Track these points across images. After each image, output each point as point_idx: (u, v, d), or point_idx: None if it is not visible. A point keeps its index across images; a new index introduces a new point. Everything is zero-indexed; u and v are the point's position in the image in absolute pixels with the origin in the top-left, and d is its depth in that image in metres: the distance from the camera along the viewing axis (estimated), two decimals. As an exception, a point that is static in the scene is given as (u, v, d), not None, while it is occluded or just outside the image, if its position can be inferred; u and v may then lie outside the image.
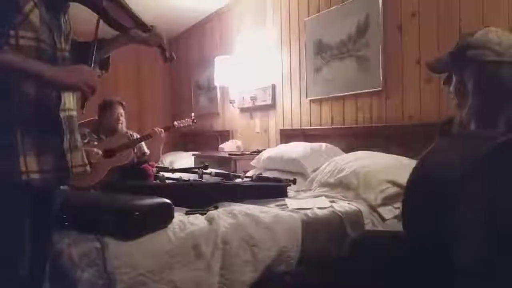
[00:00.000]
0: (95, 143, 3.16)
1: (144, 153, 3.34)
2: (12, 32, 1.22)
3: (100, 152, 2.99)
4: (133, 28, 1.59)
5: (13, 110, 1.23)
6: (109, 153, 3.05)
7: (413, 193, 1.38)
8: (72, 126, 1.42)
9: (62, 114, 1.36)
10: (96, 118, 3.37)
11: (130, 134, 3.33)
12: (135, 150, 3.29)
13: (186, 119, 3.50)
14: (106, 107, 3.27)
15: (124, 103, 3.33)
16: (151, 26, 1.64)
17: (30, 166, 1.25)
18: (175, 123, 3.45)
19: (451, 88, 1.43)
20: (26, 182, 1.24)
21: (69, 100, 1.41)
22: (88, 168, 1.49)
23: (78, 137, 1.45)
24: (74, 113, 1.45)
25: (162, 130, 3.26)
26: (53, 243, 1.52)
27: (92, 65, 1.43)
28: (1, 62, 1.18)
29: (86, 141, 3.16)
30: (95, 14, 1.47)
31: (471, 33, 1.41)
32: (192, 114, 3.63)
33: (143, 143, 3.35)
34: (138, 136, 3.32)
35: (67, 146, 1.37)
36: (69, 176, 1.39)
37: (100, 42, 1.51)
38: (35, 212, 1.31)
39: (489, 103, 1.34)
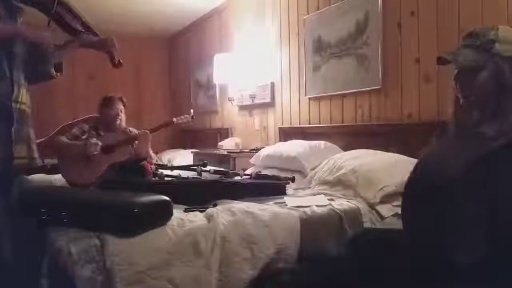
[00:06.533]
0: (94, 139, 3.17)
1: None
2: None
3: (100, 143, 3.00)
4: (84, 32, 1.66)
5: None
6: (108, 149, 3.05)
7: (413, 193, 1.38)
8: (22, 119, 1.46)
9: (14, 105, 1.42)
10: (96, 115, 3.38)
11: (130, 131, 3.34)
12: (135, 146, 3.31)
13: (185, 115, 3.52)
14: (106, 103, 3.29)
15: (124, 100, 3.35)
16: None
17: None
18: (174, 119, 3.46)
19: (465, 84, 1.38)
20: None
21: (24, 95, 1.48)
22: (37, 162, 1.54)
23: (28, 131, 1.50)
24: (27, 108, 1.51)
25: (148, 131, 3.23)
26: (47, 239, 1.52)
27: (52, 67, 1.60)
28: None
29: (85, 137, 3.18)
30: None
31: (487, 28, 1.38)
32: (191, 110, 3.63)
33: None
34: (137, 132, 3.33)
35: (26, 137, 1.44)
36: (12, 166, 1.43)
37: (55, 48, 1.59)
38: None
39: (510, 98, 1.31)
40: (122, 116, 3.32)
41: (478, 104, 1.39)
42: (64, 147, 3.06)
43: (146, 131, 3.24)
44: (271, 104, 4.07)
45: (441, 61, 1.45)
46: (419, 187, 1.36)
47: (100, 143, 3.02)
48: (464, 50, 1.39)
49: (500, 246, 1.19)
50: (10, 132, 1.39)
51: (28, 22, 1.57)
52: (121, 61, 1.79)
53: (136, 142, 3.32)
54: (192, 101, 5.70)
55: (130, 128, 3.39)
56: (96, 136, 3.21)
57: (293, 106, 3.80)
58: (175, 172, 2.78)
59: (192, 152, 4.49)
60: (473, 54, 1.36)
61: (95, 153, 2.97)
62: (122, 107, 3.32)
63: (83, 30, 1.67)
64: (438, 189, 1.24)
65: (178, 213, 1.94)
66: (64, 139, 3.12)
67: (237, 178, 2.73)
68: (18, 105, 1.44)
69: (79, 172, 2.96)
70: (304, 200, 2.29)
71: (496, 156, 1.20)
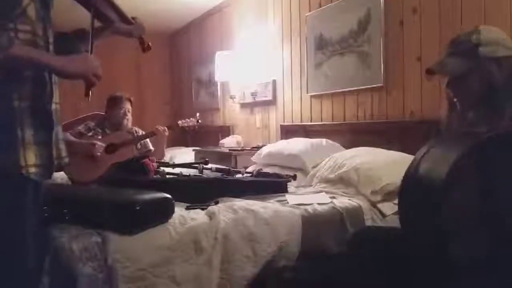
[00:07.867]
0: (100, 137, 3.17)
1: (149, 150, 3.34)
2: (11, 25, 1.23)
3: (103, 145, 3.00)
4: (118, 21, 1.63)
5: (12, 106, 1.25)
6: (111, 149, 3.05)
7: (408, 192, 1.39)
8: (58, 118, 1.44)
9: (52, 107, 1.39)
10: (101, 112, 3.38)
11: (135, 131, 3.34)
12: (139, 146, 3.30)
13: (191, 119, 3.47)
14: (114, 102, 3.28)
15: (132, 100, 3.34)
16: (133, 18, 1.70)
17: (29, 160, 1.27)
18: (180, 122, 3.43)
19: (458, 90, 1.42)
20: (26, 176, 1.26)
21: (56, 94, 1.44)
22: (65, 160, 1.51)
23: (57, 130, 1.47)
24: (58, 106, 1.47)
25: (166, 128, 3.26)
26: (50, 237, 1.52)
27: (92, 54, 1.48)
28: (13, 56, 1.20)
29: (90, 134, 3.18)
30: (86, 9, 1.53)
31: (468, 33, 1.41)
32: (197, 114, 3.58)
33: (148, 140, 3.36)
34: (143, 133, 3.33)
35: (55, 139, 1.39)
36: (53, 169, 1.40)
37: (85, 34, 1.55)
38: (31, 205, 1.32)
39: (502, 97, 1.34)
40: (129, 116, 3.31)
41: (472, 107, 1.41)
42: (68, 144, 3.05)
43: (165, 127, 3.24)
44: (272, 102, 4.06)
45: (429, 72, 1.47)
46: (413, 186, 1.36)
47: (103, 145, 3.01)
48: (450, 59, 1.43)
49: (499, 236, 1.19)
50: (51, 137, 1.37)
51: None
52: (150, 44, 1.77)
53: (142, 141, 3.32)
54: (193, 99, 5.70)
55: (136, 128, 3.39)
56: (102, 134, 3.21)
57: (294, 103, 3.79)
58: (177, 170, 2.77)
59: (193, 150, 4.49)
60: (459, 62, 1.39)
61: (98, 154, 2.97)
62: (130, 106, 3.31)
63: (118, 19, 1.63)
64: (432, 187, 1.25)
65: (179, 210, 1.95)
66: (69, 136, 3.11)
67: (239, 175, 2.72)
68: (53, 106, 1.40)
69: (83, 170, 2.96)
70: (306, 198, 2.29)
71: (490, 144, 1.20)
